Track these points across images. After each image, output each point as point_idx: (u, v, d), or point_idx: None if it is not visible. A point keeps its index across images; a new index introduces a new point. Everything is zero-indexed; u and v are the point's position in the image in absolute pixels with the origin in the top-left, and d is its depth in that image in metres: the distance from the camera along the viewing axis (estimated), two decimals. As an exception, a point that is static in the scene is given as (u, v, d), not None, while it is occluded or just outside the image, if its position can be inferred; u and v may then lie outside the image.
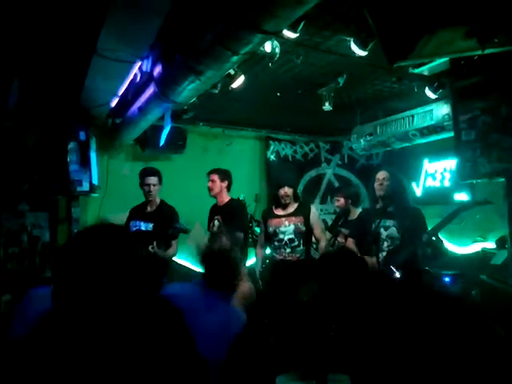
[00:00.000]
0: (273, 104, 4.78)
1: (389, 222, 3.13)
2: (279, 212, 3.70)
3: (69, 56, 3.27)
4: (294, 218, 3.62)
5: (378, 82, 4.21)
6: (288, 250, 3.57)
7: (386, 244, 3.11)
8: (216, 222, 3.76)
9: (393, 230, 3.11)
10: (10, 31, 2.95)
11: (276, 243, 3.63)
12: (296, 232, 3.58)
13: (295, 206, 3.69)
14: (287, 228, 3.60)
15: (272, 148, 5.92)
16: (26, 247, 4.43)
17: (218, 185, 3.80)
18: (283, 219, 3.64)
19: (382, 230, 3.13)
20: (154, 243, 3.44)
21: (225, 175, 3.87)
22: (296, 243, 3.58)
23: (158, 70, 3.11)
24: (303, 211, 3.66)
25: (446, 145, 4.40)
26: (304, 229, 3.60)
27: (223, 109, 4.80)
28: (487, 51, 2.07)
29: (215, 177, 3.82)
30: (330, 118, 4.84)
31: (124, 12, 2.44)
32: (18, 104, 3.82)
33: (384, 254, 3.09)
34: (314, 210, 3.78)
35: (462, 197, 4.81)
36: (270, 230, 3.68)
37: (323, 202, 6.09)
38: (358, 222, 3.45)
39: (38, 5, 2.71)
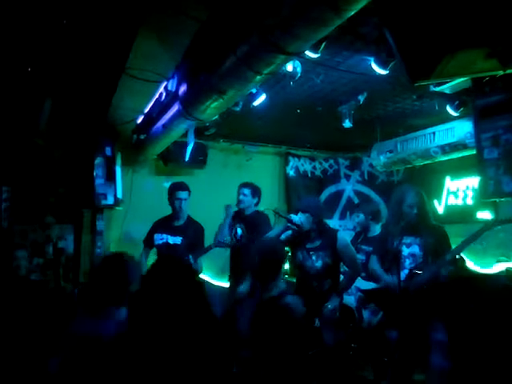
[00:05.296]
0: (292, 120, 4.83)
1: (411, 240, 3.08)
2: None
3: (98, 75, 3.42)
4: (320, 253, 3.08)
5: (398, 99, 4.22)
6: (315, 284, 3.08)
7: (408, 262, 3.07)
8: (239, 230, 3.78)
9: (415, 248, 3.07)
10: (45, 54, 3.12)
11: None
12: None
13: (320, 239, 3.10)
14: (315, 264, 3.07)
15: (291, 164, 5.95)
16: (51, 258, 4.57)
17: (250, 200, 3.83)
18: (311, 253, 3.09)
19: (403, 247, 3.09)
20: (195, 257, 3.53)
21: (256, 192, 3.87)
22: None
23: (182, 89, 3.22)
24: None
25: (469, 162, 4.35)
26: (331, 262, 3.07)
27: (244, 125, 4.88)
28: (508, 71, 2.08)
29: (248, 191, 3.84)
30: (350, 134, 4.86)
31: (153, 33, 2.56)
32: (49, 121, 3.99)
33: (406, 271, 3.05)
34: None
35: (485, 215, 4.72)
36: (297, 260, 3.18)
37: (342, 218, 6.06)
38: (380, 238, 3.41)
39: (68, 26, 2.86)
